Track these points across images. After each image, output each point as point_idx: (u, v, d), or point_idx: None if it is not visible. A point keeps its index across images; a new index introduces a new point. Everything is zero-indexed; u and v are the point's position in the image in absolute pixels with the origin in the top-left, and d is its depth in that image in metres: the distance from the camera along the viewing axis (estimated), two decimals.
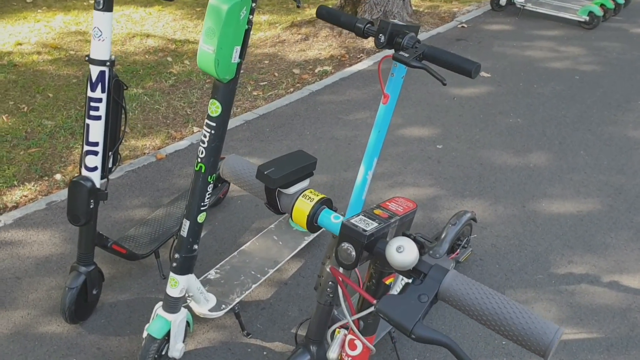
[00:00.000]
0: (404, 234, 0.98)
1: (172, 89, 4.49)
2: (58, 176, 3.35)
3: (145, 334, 2.06)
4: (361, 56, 5.18)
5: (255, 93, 4.43)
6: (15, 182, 3.25)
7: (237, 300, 2.33)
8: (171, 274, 2.01)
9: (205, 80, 4.59)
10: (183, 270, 2.00)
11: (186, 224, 1.95)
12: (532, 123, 4.19)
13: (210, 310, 2.28)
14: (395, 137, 3.89)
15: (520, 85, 4.78)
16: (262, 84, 4.59)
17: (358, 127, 3.98)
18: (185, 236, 1.96)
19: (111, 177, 3.29)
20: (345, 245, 0.94)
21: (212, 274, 2.43)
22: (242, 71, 4.84)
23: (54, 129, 3.82)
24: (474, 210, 2.89)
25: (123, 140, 2.28)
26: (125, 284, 2.58)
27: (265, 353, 2.30)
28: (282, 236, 2.68)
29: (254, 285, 2.39)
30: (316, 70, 4.85)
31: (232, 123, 3.92)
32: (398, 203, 0.95)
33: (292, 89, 4.52)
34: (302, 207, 0.98)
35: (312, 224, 1.00)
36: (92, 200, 2.17)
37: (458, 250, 2.62)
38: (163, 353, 2.14)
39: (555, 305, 2.60)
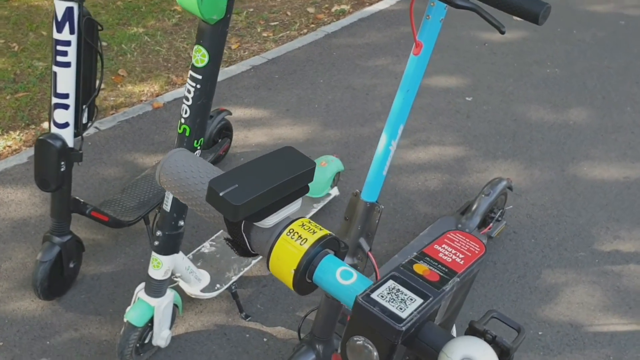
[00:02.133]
0: (473, 329, 0.63)
1: (176, 29, 4.07)
2: (46, 124, 3.01)
3: (125, 320, 1.77)
4: None
5: (265, 34, 4.01)
6: None
7: (235, 278, 2.03)
8: (153, 253, 1.70)
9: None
10: (167, 249, 1.69)
11: (169, 196, 1.62)
12: (571, 74, 3.74)
13: (202, 291, 1.98)
14: (419, 87, 3.48)
15: (558, 30, 4.29)
16: (272, 24, 4.16)
17: (378, 75, 3.57)
18: (168, 211, 1.63)
19: (102, 127, 2.97)
20: (361, 340, 0.58)
21: (206, 247, 2.11)
22: (251, 9, 4.41)
23: (45, 71, 3.46)
24: (509, 177, 2.53)
25: (100, 91, 1.92)
26: (110, 254, 2.28)
27: (265, 340, 2.01)
28: None
29: (254, 261, 2.08)
30: (332, 10, 4.40)
31: (238, 68, 3.53)
32: (453, 243, 0.59)
33: (305, 30, 4.09)
34: (287, 253, 0.61)
35: (304, 281, 0.63)
36: (63, 162, 1.84)
37: (491, 224, 2.27)
38: (146, 341, 1.85)
39: (600, 289, 2.27)
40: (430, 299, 0.54)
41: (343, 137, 3.01)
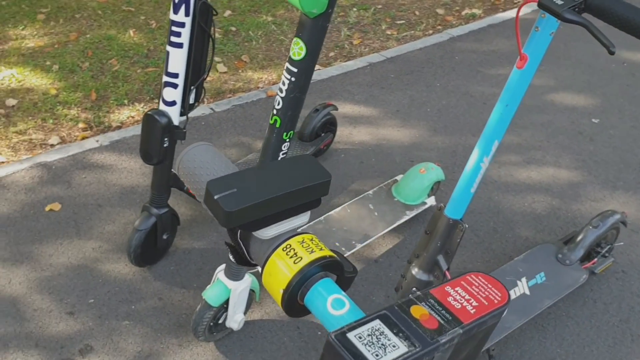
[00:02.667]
0: None
1: None
2: None
3: (202, 297, 1.82)
4: (519, 1, 4.47)
5: (388, 32, 3.96)
6: (126, 101, 3.13)
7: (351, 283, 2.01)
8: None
9: (338, 13, 4.18)
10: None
11: None
12: None
13: None
14: (542, 102, 3.28)
15: None
16: (398, 22, 4.10)
17: (499, 84, 3.40)
18: None
19: (217, 109, 3.07)
20: None
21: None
22: (379, 6, 4.37)
23: None
24: (625, 211, 2.31)
25: (209, 75, 1.98)
26: (204, 231, 2.35)
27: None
28: (380, 206, 2.30)
29: None
30: (463, 13, 4.25)
31: (355, 64, 3.51)
32: (470, 287, 0.51)
33: (431, 31, 3.99)
34: (278, 270, 0.56)
35: (294, 303, 0.57)
36: (166, 139, 1.92)
37: (596, 259, 2.09)
38: (220, 322, 1.90)
39: None
40: (418, 349, 0.47)
41: (451, 145, 2.90)
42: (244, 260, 0.62)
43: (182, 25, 1.78)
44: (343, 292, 0.56)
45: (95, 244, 2.26)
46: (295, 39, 1.40)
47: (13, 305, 2.02)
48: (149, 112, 1.90)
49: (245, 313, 1.91)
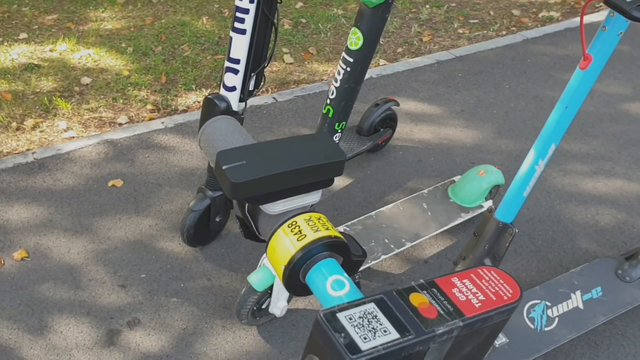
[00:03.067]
0: None
1: None
2: None
3: (247, 281, 1.85)
4: (600, 6, 4.27)
5: (460, 31, 3.87)
6: (194, 86, 3.20)
7: (360, 268, 2.00)
8: None
9: (410, 9, 4.13)
10: None
11: None
12: None
13: None
14: (616, 110, 3.12)
15: None
16: (472, 21, 4.00)
17: None
18: None
19: (280, 99, 3.10)
20: None
21: (339, 230, 2.11)
22: (453, 4, 4.28)
23: None
24: None
25: (270, 62, 1.99)
26: None
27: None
28: (434, 206, 2.26)
29: (383, 257, 2.04)
30: (540, 15, 4.10)
31: (422, 61, 3.46)
32: (480, 280, 0.48)
33: (504, 32, 3.87)
34: (282, 246, 0.54)
35: (294, 279, 0.55)
36: None
37: None
38: (263, 307, 1.92)
39: None
40: (410, 336, 0.44)
41: (515, 149, 2.81)
42: (252, 234, 0.61)
43: (246, 11, 1.80)
44: (345, 274, 0.54)
45: (152, 221, 2.33)
46: (353, 29, 1.39)
47: (70, 273, 2.11)
48: (209, 96, 1.94)
49: (288, 301, 1.92)
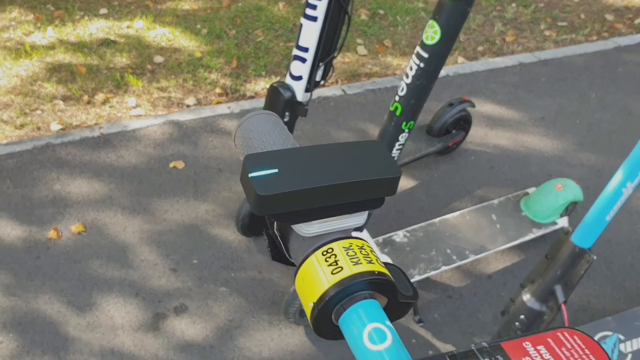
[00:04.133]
0: None
1: None
2: None
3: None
4: None
5: (547, 33, 3.65)
6: (264, 73, 3.16)
7: (418, 277, 1.89)
8: None
9: (494, 6, 3.92)
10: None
11: None
12: None
13: None
14: None
15: None
16: (560, 24, 3.76)
17: None
18: None
19: (349, 91, 3.01)
20: None
21: (398, 236, 2.00)
22: (541, 5, 4.04)
23: None
24: None
25: (340, 53, 1.90)
26: None
27: (430, 352, 1.85)
28: (504, 218, 2.11)
29: (443, 268, 1.91)
30: (636, 21, 3.81)
31: (503, 62, 3.27)
32: (560, 348, 0.37)
33: (595, 37, 3.61)
34: (313, 278, 0.45)
35: (325, 320, 0.46)
36: (287, 113, 1.88)
37: None
38: None
39: None
40: None
41: (598, 164, 2.60)
42: (281, 256, 0.51)
43: None
44: (387, 321, 0.44)
45: (209, 206, 2.30)
46: (430, 22, 1.28)
47: (123, 252, 2.10)
48: (275, 84, 1.86)
49: None
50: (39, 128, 2.65)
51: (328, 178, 0.46)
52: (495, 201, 2.19)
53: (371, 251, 0.48)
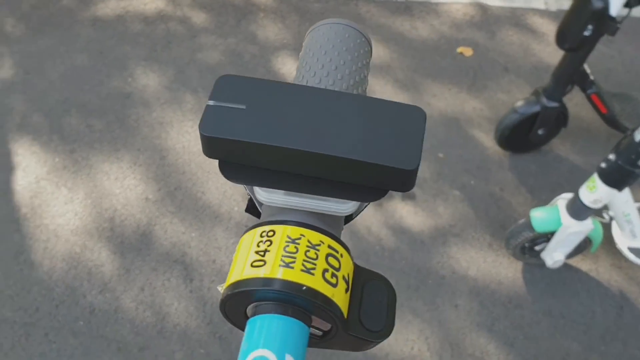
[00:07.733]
0: None
1: None
2: None
3: (530, 214, 1.59)
4: None
5: None
6: None
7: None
8: (595, 174, 1.39)
9: None
10: (609, 179, 1.35)
11: None
12: None
13: (629, 249, 1.59)
14: None
15: None
16: None
17: None
18: (636, 141, 1.26)
19: None
20: None
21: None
22: None
23: None
24: None
25: None
26: (590, 146, 2.00)
27: None
28: None
29: None
30: None
31: None
32: None
33: None
34: (238, 257, 0.30)
35: (237, 310, 0.31)
36: (591, 26, 1.57)
37: None
38: (536, 248, 1.65)
39: None
40: None
41: None
42: (252, 208, 0.37)
43: None
44: (300, 352, 0.29)
45: (479, 104, 2.15)
46: None
47: None
48: None
49: (568, 257, 1.62)
50: None
51: (306, 141, 0.32)
52: None
53: (328, 255, 0.33)
